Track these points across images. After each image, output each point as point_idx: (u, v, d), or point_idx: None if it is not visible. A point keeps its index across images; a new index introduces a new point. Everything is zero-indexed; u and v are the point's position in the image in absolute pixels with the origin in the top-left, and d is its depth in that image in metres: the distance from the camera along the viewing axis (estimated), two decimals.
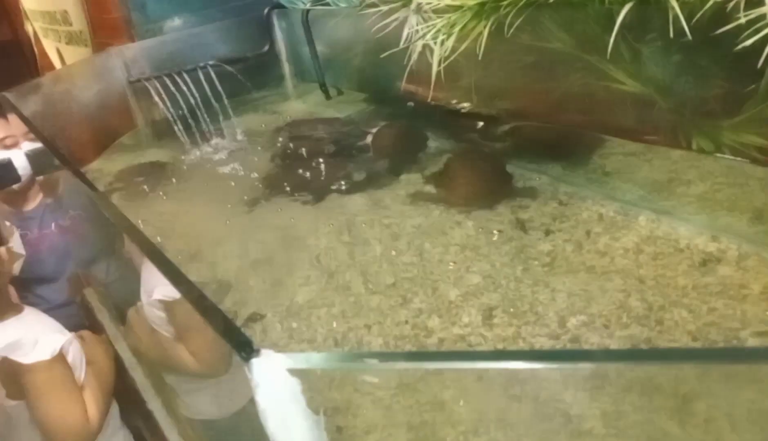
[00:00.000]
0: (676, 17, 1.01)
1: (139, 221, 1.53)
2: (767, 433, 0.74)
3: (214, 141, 2.07)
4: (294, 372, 0.45)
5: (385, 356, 0.50)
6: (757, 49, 0.95)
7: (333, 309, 1.14)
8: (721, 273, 1.07)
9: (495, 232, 1.29)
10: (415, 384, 0.88)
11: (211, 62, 2.15)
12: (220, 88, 2.12)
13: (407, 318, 1.07)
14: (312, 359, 0.48)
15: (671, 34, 1.03)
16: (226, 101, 2.14)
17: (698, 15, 0.99)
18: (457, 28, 1.31)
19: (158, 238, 1.47)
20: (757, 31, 0.91)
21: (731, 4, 0.94)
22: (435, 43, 1.37)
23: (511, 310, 1.06)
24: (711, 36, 1.03)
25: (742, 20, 0.92)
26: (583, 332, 0.98)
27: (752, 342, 0.92)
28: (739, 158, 1.27)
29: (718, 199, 1.25)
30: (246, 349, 0.47)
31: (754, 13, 0.89)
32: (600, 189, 1.38)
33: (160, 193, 1.75)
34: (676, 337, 0.93)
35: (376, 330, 1.06)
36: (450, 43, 1.32)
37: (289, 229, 1.45)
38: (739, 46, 0.91)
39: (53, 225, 2.09)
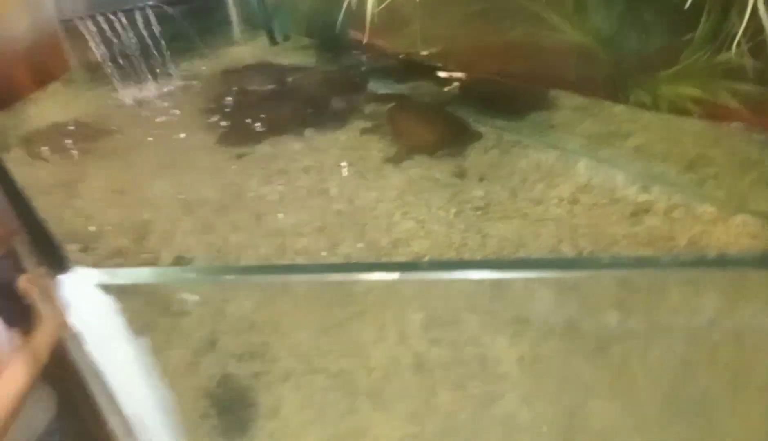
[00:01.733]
0: None
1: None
2: (675, 382, 0.75)
3: (152, 88, 1.97)
4: (107, 288, 0.41)
5: (206, 271, 0.47)
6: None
7: (260, 251, 1.11)
8: (648, 223, 1.08)
9: (434, 178, 1.27)
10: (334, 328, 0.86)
11: (150, 2, 2.03)
12: (159, 31, 2.00)
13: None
14: (126, 275, 0.44)
15: None
16: (164, 45, 2.03)
17: None
18: None
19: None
20: None
21: None
22: None
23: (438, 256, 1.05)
24: None
25: None
26: None
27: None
28: (673, 113, 1.27)
29: (655, 150, 1.26)
30: (56, 263, 0.43)
31: None
32: (543, 139, 1.37)
33: (93, 144, 1.66)
34: (602, 282, 0.93)
35: None
36: None
37: (224, 176, 1.40)
38: None
39: None
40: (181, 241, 1.17)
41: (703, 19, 1.01)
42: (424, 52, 1.74)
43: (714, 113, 1.21)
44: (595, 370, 0.81)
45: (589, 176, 1.22)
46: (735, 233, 1.02)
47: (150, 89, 1.96)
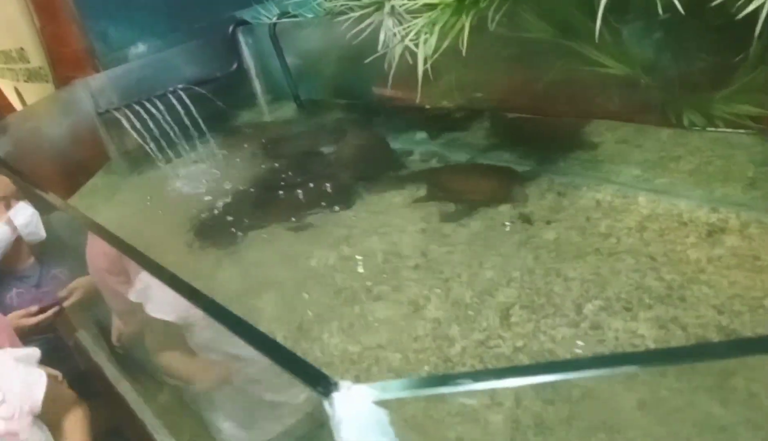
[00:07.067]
0: None
1: None
2: None
3: (195, 166, 2.01)
4: (381, 403, 0.41)
5: (475, 376, 0.46)
6: (743, 19, 0.95)
7: (342, 323, 1.10)
8: (729, 244, 1.06)
9: (501, 226, 1.27)
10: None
11: (180, 85, 2.10)
12: (193, 110, 2.07)
13: (426, 330, 1.04)
14: (396, 387, 0.44)
15: (660, 11, 1.02)
16: (201, 123, 2.09)
17: None
18: (438, 26, 1.29)
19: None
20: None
21: None
22: (416, 43, 1.35)
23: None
24: (695, 9, 1.03)
25: None
26: (603, 318, 0.97)
27: None
28: (729, 129, 1.27)
29: (711, 171, 1.25)
30: (323, 383, 0.43)
31: None
32: (595, 174, 1.37)
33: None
34: (702, 313, 0.92)
35: (393, 347, 1.03)
36: (433, 41, 1.30)
37: (286, 251, 1.40)
38: (740, 15, 0.91)
39: (44, 282, 1.96)
40: (262, 319, 1.17)
41: (755, 37, 1.02)
42: (462, 101, 1.77)
43: None
44: (720, 404, 0.79)
45: (651, 207, 1.21)
46: None
47: (194, 168, 2.00)
